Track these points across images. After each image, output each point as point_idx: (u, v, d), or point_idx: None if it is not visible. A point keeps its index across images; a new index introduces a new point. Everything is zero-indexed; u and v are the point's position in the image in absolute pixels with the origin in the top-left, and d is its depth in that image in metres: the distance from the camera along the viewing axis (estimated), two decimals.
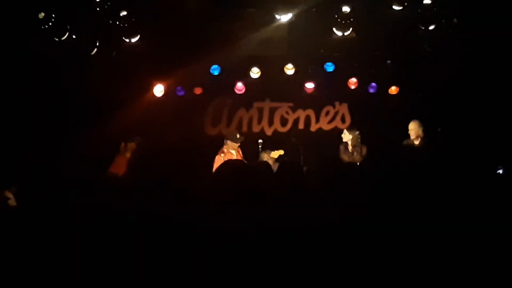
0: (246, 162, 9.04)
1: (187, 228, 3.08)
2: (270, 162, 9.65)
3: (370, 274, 3.07)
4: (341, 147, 10.31)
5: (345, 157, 10.09)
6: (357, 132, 10.22)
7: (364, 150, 10.03)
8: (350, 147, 10.16)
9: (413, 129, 9.77)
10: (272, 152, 10.04)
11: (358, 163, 9.61)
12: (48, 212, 3.42)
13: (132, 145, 9.19)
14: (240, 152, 9.84)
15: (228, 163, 3.91)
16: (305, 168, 4.56)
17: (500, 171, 6.97)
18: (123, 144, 9.28)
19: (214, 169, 9.54)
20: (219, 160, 9.65)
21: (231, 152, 9.71)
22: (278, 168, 4.31)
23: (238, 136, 9.71)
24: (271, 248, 3.00)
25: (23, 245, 3.17)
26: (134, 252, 3.04)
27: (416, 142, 9.72)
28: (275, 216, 3.20)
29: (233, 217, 3.17)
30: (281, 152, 10.04)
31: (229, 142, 9.68)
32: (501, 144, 9.64)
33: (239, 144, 9.71)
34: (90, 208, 3.37)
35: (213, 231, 3.05)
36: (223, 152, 9.72)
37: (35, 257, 3.10)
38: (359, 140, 10.17)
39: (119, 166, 8.84)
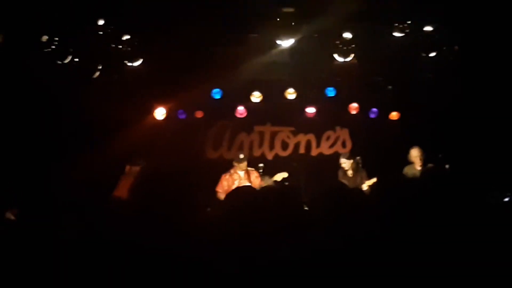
0: (253, 187, 9.10)
1: (189, 256, 3.07)
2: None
3: None
4: (340, 173, 10.33)
5: (345, 182, 10.11)
6: (358, 157, 10.26)
7: (364, 175, 10.07)
8: (349, 172, 10.18)
9: (417, 155, 9.78)
10: (277, 175, 10.06)
11: (359, 188, 9.66)
12: (47, 235, 3.42)
13: (136, 169, 9.12)
14: (252, 173, 9.93)
15: (237, 191, 3.94)
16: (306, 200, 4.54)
17: (507, 199, 6.88)
18: (128, 167, 9.24)
19: (217, 187, 9.66)
20: (224, 179, 9.75)
21: (238, 173, 9.78)
22: (279, 194, 4.28)
23: (241, 156, 9.78)
24: (277, 278, 3.00)
25: (21, 267, 3.17)
26: (135, 278, 3.03)
27: (418, 168, 9.73)
28: (278, 245, 3.20)
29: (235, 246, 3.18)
30: (285, 174, 10.07)
31: (235, 163, 9.75)
32: (506, 171, 9.62)
33: (245, 163, 9.79)
34: (89, 232, 3.36)
35: (217, 259, 3.05)
36: (229, 173, 9.80)
37: (33, 279, 3.09)
38: (360, 164, 10.21)
39: (124, 190, 8.77)
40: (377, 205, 3.79)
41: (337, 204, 3.70)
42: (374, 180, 9.69)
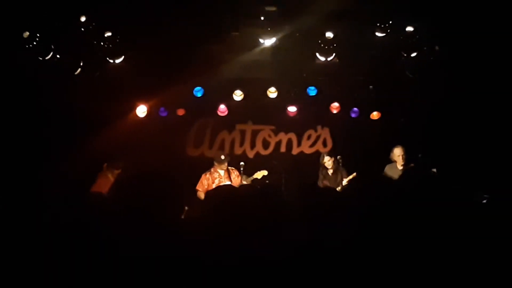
0: (233, 185, 9.11)
1: (171, 254, 3.08)
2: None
3: None
4: (320, 175, 10.33)
5: (327, 183, 10.12)
6: (338, 156, 10.27)
7: (345, 173, 10.10)
8: (330, 171, 10.21)
9: (400, 154, 9.77)
10: (256, 173, 10.09)
11: (340, 187, 9.70)
12: (29, 229, 3.41)
13: (113, 170, 9.05)
14: (232, 172, 9.93)
15: (217, 190, 3.96)
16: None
17: (485, 201, 6.86)
18: (105, 164, 9.19)
19: (197, 186, 9.64)
20: (204, 178, 9.74)
21: (218, 171, 9.76)
22: (260, 192, 4.29)
23: (222, 157, 9.75)
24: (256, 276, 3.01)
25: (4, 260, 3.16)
26: (114, 271, 3.03)
27: (400, 168, 9.76)
28: (258, 243, 3.21)
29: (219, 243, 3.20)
30: (265, 172, 10.10)
31: (216, 163, 9.74)
32: (485, 171, 9.69)
33: (226, 163, 9.76)
34: (71, 226, 3.35)
35: (198, 257, 3.06)
36: (209, 171, 9.78)
37: (14, 272, 3.08)
38: (340, 164, 10.23)
39: (101, 187, 8.74)
40: (356, 204, 3.81)
41: (314, 203, 3.73)
42: (354, 175, 9.74)
